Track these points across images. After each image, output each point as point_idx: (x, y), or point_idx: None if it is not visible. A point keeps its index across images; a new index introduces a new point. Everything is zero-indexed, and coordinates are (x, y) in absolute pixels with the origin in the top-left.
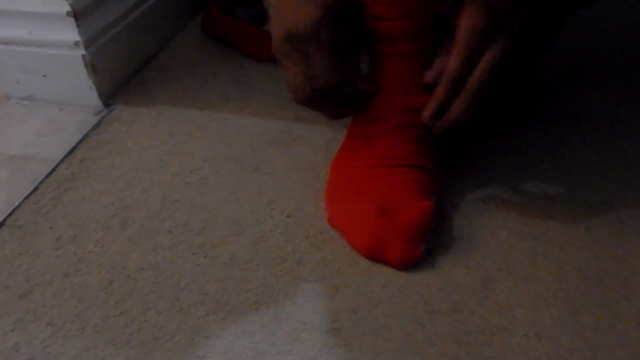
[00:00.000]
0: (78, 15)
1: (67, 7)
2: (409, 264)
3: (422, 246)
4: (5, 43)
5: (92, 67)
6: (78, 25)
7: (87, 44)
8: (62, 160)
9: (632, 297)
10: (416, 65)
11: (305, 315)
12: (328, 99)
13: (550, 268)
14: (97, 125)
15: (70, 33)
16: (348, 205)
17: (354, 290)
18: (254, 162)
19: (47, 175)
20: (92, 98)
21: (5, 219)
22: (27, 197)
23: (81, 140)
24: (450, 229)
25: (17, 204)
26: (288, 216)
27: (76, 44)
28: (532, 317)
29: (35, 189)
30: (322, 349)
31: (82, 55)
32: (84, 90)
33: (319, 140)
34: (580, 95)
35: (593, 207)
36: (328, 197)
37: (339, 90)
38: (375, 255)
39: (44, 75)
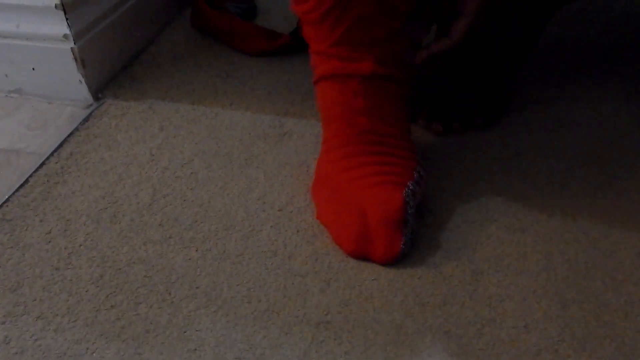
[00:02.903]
0: (67, 8)
1: (56, 0)
2: (393, 260)
3: (401, 240)
4: None
5: (82, 61)
6: (67, 18)
7: (77, 37)
8: (51, 154)
9: (619, 289)
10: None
11: (297, 309)
12: None
13: (539, 261)
14: (86, 119)
15: (59, 26)
16: (332, 205)
17: (345, 284)
18: (245, 157)
19: (37, 169)
20: (82, 91)
21: None
22: (16, 191)
23: (71, 134)
24: (440, 223)
25: (6, 197)
26: (279, 210)
27: (65, 37)
28: (521, 309)
29: (25, 182)
30: (313, 342)
31: (72, 49)
32: (73, 84)
33: (309, 135)
34: (567, 88)
35: (580, 200)
36: (314, 195)
37: None
38: (361, 255)
39: (32, 69)
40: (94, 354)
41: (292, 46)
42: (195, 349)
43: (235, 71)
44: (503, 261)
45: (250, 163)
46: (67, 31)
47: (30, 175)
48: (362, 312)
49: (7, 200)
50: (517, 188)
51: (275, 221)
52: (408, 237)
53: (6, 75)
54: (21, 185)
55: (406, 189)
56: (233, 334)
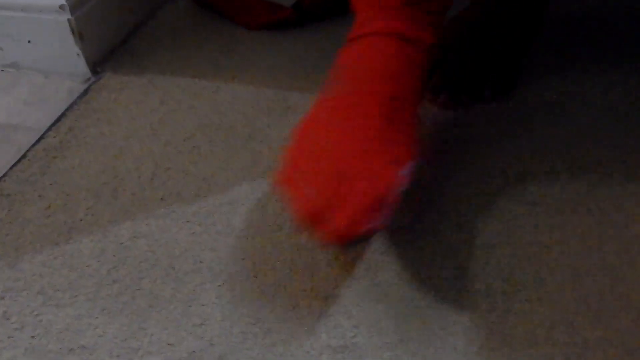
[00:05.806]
0: None
1: None
2: (348, 240)
3: (371, 222)
4: None
5: (79, 33)
6: None
7: (73, 8)
8: (49, 129)
9: (634, 262)
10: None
11: (304, 283)
12: None
13: (551, 233)
14: (85, 94)
15: None
16: (305, 163)
17: (353, 258)
18: (248, 131)
19: (34, 144)
20: (80, 65)
21: None
22: (14, 166)
23: (69, 109)
24: (449, 196)
25: (3, 172)
26: None
27: (61, 7)
28: (534, 281)
29: (23, 157)
30: (321, 316)
31: (68, 20)
32: (71, 57)
33: None
34: (580, 66)
35: (593, 173)
36: (287, 153)
37: None
38: (313, 222)
39: (28, 42)
40: (97, 329)
41: (295, 20)
42: (201, 324)
43: (237, 45)
44: (514, 233)
45: (253, 137)
46: (63, 2)
47: (28, 150)
48: (371, 286)
49: (4, 175)
50: (527, 160)
51: (280, 195)
52: (384, 222)
53: (1, 49)
54: (19, 160)
55: (407, 168)
56: (239, 308)
